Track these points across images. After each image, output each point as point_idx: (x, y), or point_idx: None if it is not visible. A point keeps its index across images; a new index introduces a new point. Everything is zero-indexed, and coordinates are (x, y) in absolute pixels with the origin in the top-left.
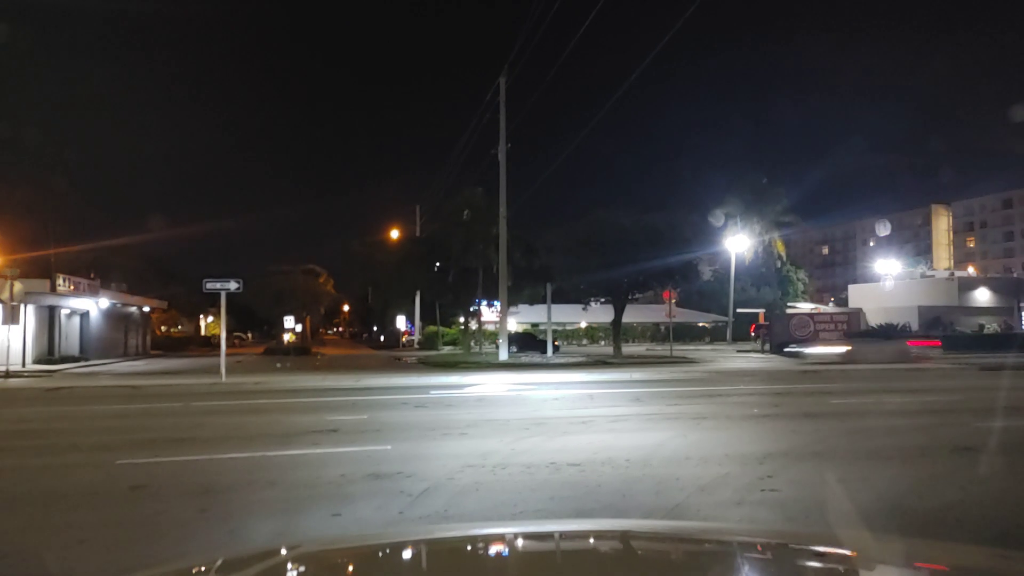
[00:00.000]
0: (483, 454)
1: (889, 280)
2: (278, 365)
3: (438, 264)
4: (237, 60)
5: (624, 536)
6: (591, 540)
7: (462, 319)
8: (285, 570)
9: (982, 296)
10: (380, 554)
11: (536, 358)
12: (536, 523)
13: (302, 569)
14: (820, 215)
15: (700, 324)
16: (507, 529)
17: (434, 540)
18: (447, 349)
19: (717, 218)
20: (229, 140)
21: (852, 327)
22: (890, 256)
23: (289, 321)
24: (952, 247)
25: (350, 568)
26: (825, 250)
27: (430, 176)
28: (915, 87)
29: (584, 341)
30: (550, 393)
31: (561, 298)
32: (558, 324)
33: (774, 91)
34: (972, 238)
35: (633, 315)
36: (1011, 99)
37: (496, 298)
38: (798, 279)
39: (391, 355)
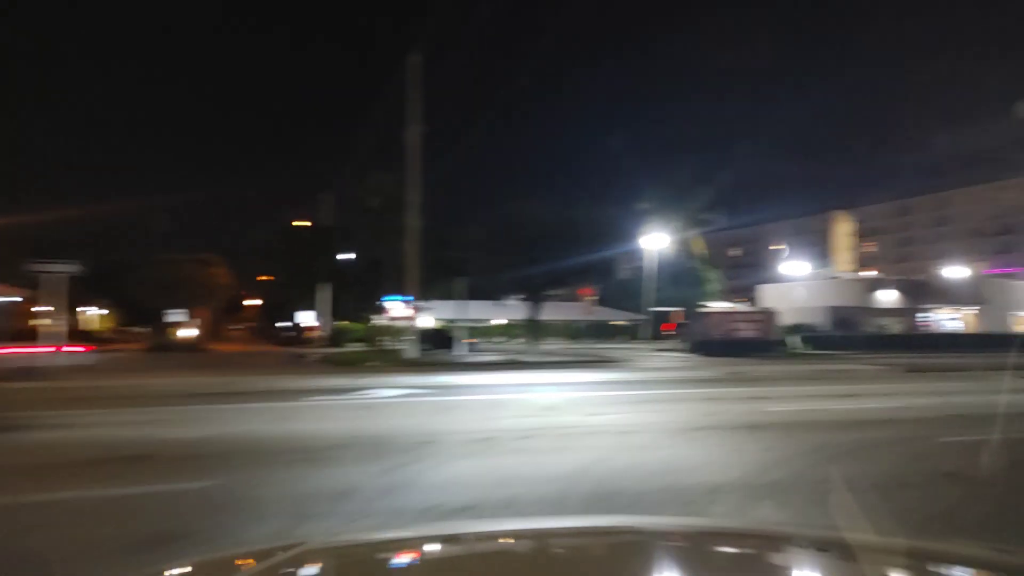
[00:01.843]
0: (339, 493)
1: (800, 281)
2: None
3: (347, 255)
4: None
5: (632, 532)
6: (601, 536)
7: (372, 314)
8: (289, 567)
9: (888, 297)
10: (388, 550)
11: (447, 357)
12: (544, 519)
13: (307, 567)
14: (733, 217)
15: (617, 322)
16: (516, 525)
17: (442, 535)
18: (356, 346)
19: (636, 214)
20: (120, 119)
21: (768, 326)
22: (796, 259)
23: (176, 314)
24: (853, 251)
25: (359, 565)
26: (736, 252)
27: (341, 161)
28: (825, 95)
29: (502, 339)
30: (453, 399)
31: (480, 294)
32: (475, 321)
33: (694, 89)
34: (871, 243)
35: (550, 312)
36: (911, 110)
37: (408, 293)
38: (714, 279)
39: (293, 352)
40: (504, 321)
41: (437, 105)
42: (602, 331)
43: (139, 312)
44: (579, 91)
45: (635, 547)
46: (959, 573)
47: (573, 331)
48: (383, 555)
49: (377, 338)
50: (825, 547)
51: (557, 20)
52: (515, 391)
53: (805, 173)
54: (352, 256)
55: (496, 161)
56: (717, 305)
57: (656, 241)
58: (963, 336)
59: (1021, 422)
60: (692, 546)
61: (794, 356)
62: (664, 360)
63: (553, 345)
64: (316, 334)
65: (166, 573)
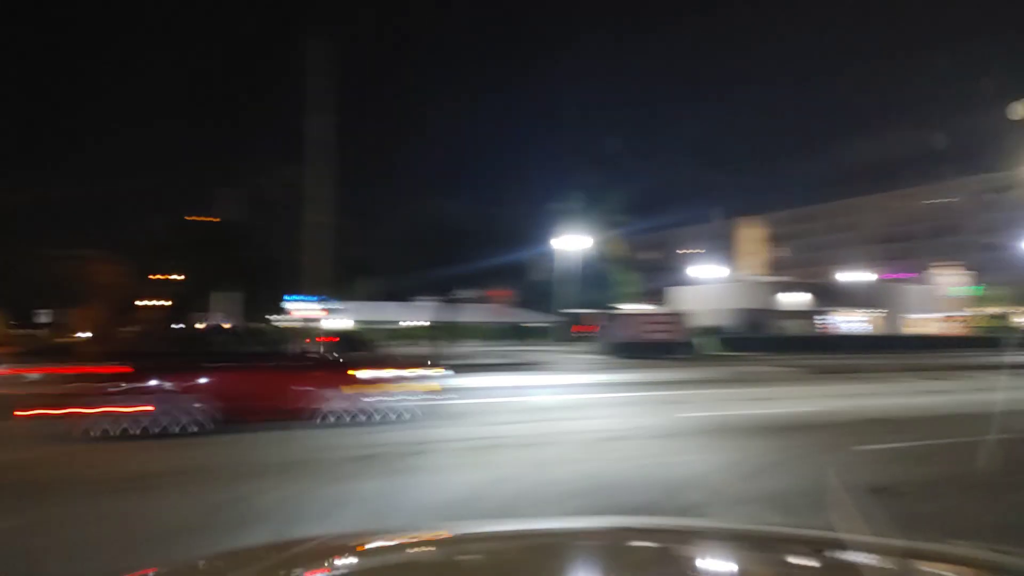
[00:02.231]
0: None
1: (711, 284)
2: None
3: (252, 253)
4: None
5: (632, 532)
6: (603, 536)
7: (279, 316)
8: (291, 565)
9: (795, 299)
10: (391, 549)
11: None
12: (546, 520)
13: (310, 563)
14: (648, 220)
15: (532, 324)
16: (518, 525)
17: (447, 535)
18: None
19: (552, 215)
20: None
21: (679, 327)
22: (709, 262)
23: (48, 314)
24: (763, 255)
25: (362, 561)
26: (651, 255)
27: (247, 153)
28: (739, 105)
29: (415, 342)
30: None
31: (394, 295)
32: (387, 323)
33: (612, 91)
34: (779, 247)
35: (465, 314)
36: (820, 121)
37: (316, 293)
38: (630, 281)
39: None
40: (417, 323)
41: (353, 96)
42: (516, 333)
43: (16, 313)
44: (500, 90)
45: (635, 546)
46: (958, 573)
47: (487, 333)
48: (384, 554)
49: (278, 341)
50: (823, 547)
51: (478, 15)
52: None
53: (718, 180)
54: (257, 254)
55: (412, 157)
56: (630, 307)
57: (572, 242)
58: (862, 338)
59: (930, 427)
60: (692, 545)
61: (705, 358)
62: (576, 363)
63: (466, 348)
64: None
65: (170, 567)
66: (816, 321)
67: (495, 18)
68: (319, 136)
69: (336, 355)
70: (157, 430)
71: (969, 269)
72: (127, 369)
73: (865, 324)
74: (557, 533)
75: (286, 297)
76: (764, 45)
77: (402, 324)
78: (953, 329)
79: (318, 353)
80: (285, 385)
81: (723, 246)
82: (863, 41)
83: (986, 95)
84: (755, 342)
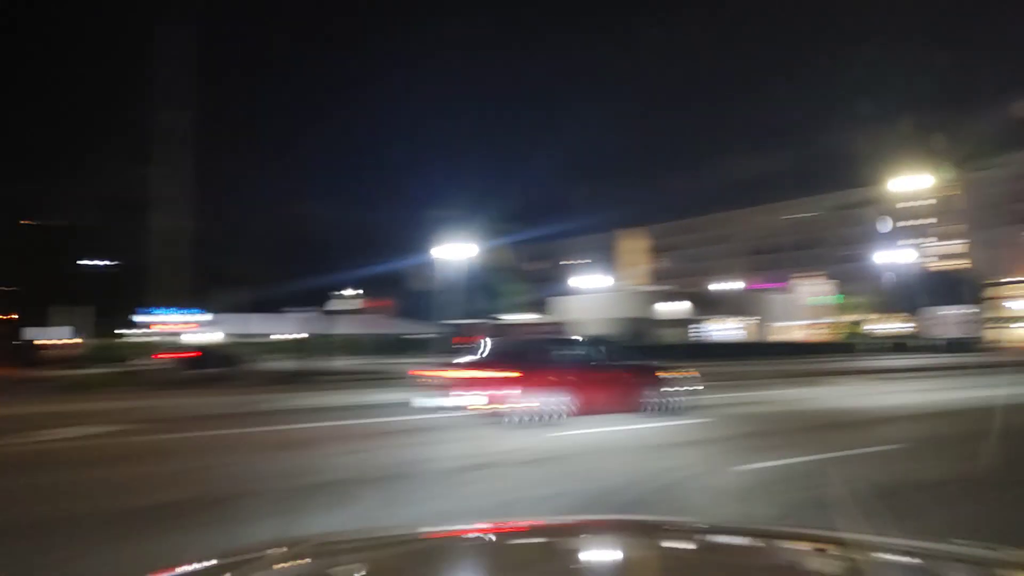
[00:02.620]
0: None
1: (592, 293)
2: None
3: (99, 261)
4: None
5: (633, 531)
6: (603, 535)
7: (136, 330)
8: (284, 565)
9: (673, 308)
10: (382, 548)
11: (212, 376)
12: (546, 517)
13: (302, 564)
14: (534, 231)
15: (413, 336)
16: (517, 523)
17: (442, 534)
18: (104, 367)
19: (436, 223)
20: None
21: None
22: (590, 273)
23: None
24: (645, 265)
25: (360, 562)
26: (537, 265)
27: (96, 152)
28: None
29: (288, 355)
30: (175, 437)
31: (264, 306)
32: (257, 336)
33: (498, 102)
34: (659, 258)
35: (342, 325)
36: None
37: (174, 304)
38: (517, 291)
39: (20, 375)
40: (290, 336)
41: (219, 97)
42: (395, 346)
43: None
44: (380, 93)
45: (636, 545)
46: (957, 571)
47: (364, 346)
48: (377, 553)
49: (131, 356)
50: (824, 546)
51: (356, 11)
52: (266, 421)
53: (603, 192)
54: (105, 261)
55: (285, 162)
56: (512, 318)
57: (455, 251)
58: (733, 345)
59: (823, 441)
60: (692, 544)
61: None
62: None
63: (344, 363)
64: (61, 352)
65: (171, 570)
66: (691, 329)
67: (376, 15)
68: (171, 132)
69: (651, 362)
70: (538, 419)
71: (830, 279)
72: (519, 374)
73: (737, 332)
74: (558, 532)
75: (144, 309)
76: (647, 62)
77: (275, 337)
78: (815, 336)
79: (639, 360)
80: (620, 384)
81: (607, 257)
82: (740, 64)
83: (847, 119)
84: (637, 351)
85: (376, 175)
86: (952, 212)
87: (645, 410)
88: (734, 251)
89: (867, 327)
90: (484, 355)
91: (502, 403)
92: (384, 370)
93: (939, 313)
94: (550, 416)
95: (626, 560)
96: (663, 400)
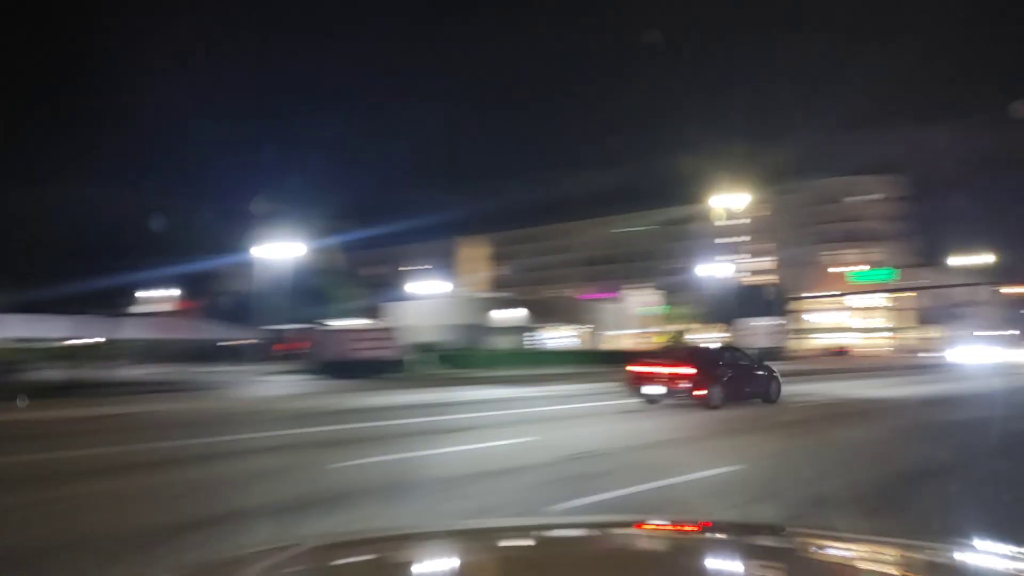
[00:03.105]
0: None
1: (429, 299)
2: None
3: None
4: None
5: (633, 530)
6: (602, 534)
7: None
8: (288, 567)
9: (508, 315)
10: (387, 548)
11: None
12: (547, 517)
13: (306, 565)
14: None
15: (229, 342)
16: (518, 523)
17: (443, 532)
18: None
19: (256, 220)
20: None
21: (393, 343)
22: (431, 279)
23: None
24: (482, 273)
25: (358, 563)
26: (376, 269)
27: None
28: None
29: (73, 363)
30: None
31: (59, 306)
32: (44, 340)
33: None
34: (499, 266)
35: (136, 329)
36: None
37: None
38: (351, 295)
39: None
40: (83, 340)
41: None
42: (206, 353)
43: None
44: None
45: (636, 543)
46: (957, 570)
47: (168, 353)
48: (382, 553)
49: None
50: (823, 545)
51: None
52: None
53: (445, 198)
54: None
55: (83, 145)
56: (340, 322)
57: (281, 250)
58: (566, 352)
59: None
60: (693, 543)
61: (417, 377)
62: (276, 387)
63: (135, 371)
64: None
65: (172, 572)
66: (526, 337)
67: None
68: None
69: (770, 365)
70: (702, 405)
71: (658, 290)
72: (695, 368)
73: (570, 339)
74: (557, 530)
75: None
76: (492, 71)
77: (70, 342)
78: (644, 344)
79: (761, 362)
80: (755, 379)
81: (448, 263)
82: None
83: (676, 142)
84: (473, 358)
85: (193, 164)
86: (763, 231)
87: (769, 399)
88: (571, 261)
89: (690, 336)
90: (687, 358)
91: (696, 390)
92: (185, 380)
93: (751, 324)
94: (712, 403)
95: (627, 560)
96: (777, 391)
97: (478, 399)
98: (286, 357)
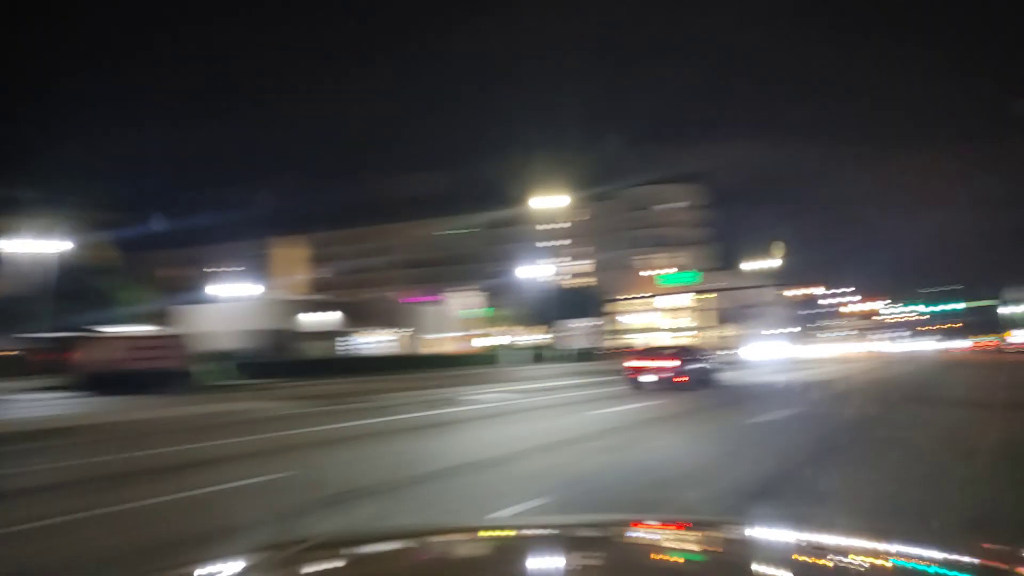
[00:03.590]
0: None
1: (229, 302)
2: None
3: None
4: None
5: (632, 529)
6: (602, 533)
7: None
8: (296, 563)
9: (321, 319)
10: (394, 545)
11: None
12: (548, 516)
13: (314, 562)
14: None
15: None
16: (520, 522)
17: (446, 530)
18: None
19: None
20: None
21: (178, 353)
22: (241, 281)
23: None
24: (301, 275)
25: (366, 559)
26: (173, 270)
27: None
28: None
29: None
30: None
31: None
32: None
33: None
34: (319, 268)
35: None
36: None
37: None
38: (131, 297)
39: None
40: None
41: None
42: None
43: None
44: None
45: (635, 543)
46: (957, 568)
47: None
48: (389, 549)
49: None
50: (823, 543)
51: None
52: None
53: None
54: None
55: None
56: (114, 329)
57: (38, 246)
58: (385, 358)
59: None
60: (694, 543)
61: (205, 390)
62: (19, 404)
63: None
64: None
65: (173, 572)
66: (340, 342)
67: None
68: None
69: (702, 351)
70: (681, 388)
71: (481, 293)
72: (679, 359)
73: (388, 344)
74: (557, 531)
75: None
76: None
77: None
78: (466, 348)
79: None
80: (704, 369)
81: (262, 265)
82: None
83: (499, 147)
84: (276, 367)
85: None
86: (582, 236)
87: (716, 385)
88: (394, 263)
89: (513, 339)
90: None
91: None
92: None
93: (571, 325)
94: (680, 388)
95: (627, 560)
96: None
97: (251, 417)
98: (46, 370)
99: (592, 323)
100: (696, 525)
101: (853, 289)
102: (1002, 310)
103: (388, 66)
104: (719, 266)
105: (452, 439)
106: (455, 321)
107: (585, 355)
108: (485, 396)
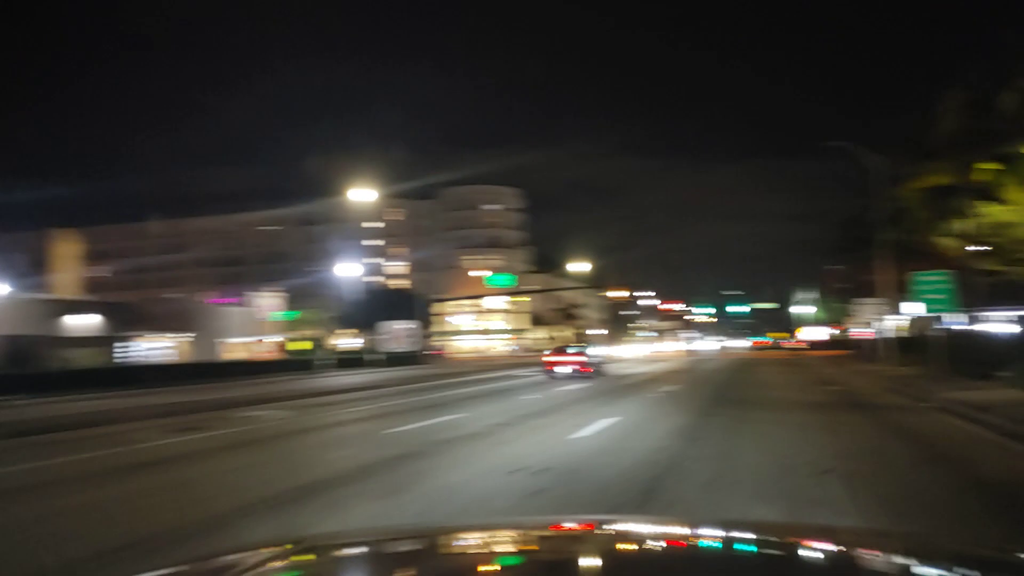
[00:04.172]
0: None
1: None
2: None
3: None
4: None
5: (631, 529)
6: (600, 532)
7: None
8: (289, 564)
9: (92, 322)
10: (387, 546)
11: None
12: (543, 517)
13: (306, 562)
14: None
15: None
16: (516, 521)
17: (440, 530)
18: None
19: None
20: None
21: None
22: None
23: None
24: (76, 273)
25: (358, 560)
26: None
27: None
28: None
29: None
30: None
31: None
32: None
33: None
34: (100, 265)
35: None
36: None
37: None
38: None
39: None
40: None
41: None
42: None
43: None
44: None
45: (634, 542)
46: (959, 568)
47: None
48: (383, 550)
49: None
50: (822, 543)
51: None
52: None
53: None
54: None
55: None
56: None
57: None
58: (172, 366)
59: None
60: (696, 541)
61: None
62: None
63: None
64: None
65: (165, 572)
66: (119, 348)
67: None
68: None
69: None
70: (586, 376)
71: (290, 294)
72: (584, 355)
73: (175, 350)
74: (555, 531)
75: None
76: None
77: None
78: (272, 353)
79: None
80: (591, 364)
81: (29, 261)
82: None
83: (312, 145)
84: (24, 380)
85: None
86: (402, 236)
87: (591, 377)
88: (193, 261)
89: (330, 342)
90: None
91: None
92: None
93: (392, 327)
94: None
95: (625, 559)
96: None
97: None
98: None
99: (413, 325)
100: (695, 525)
101: (654, 293)
102: (793, 310)
103: (194, 55)
104: (537, 269)
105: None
106: (258, 324)
107: (409, 359)
108: (260, 414)
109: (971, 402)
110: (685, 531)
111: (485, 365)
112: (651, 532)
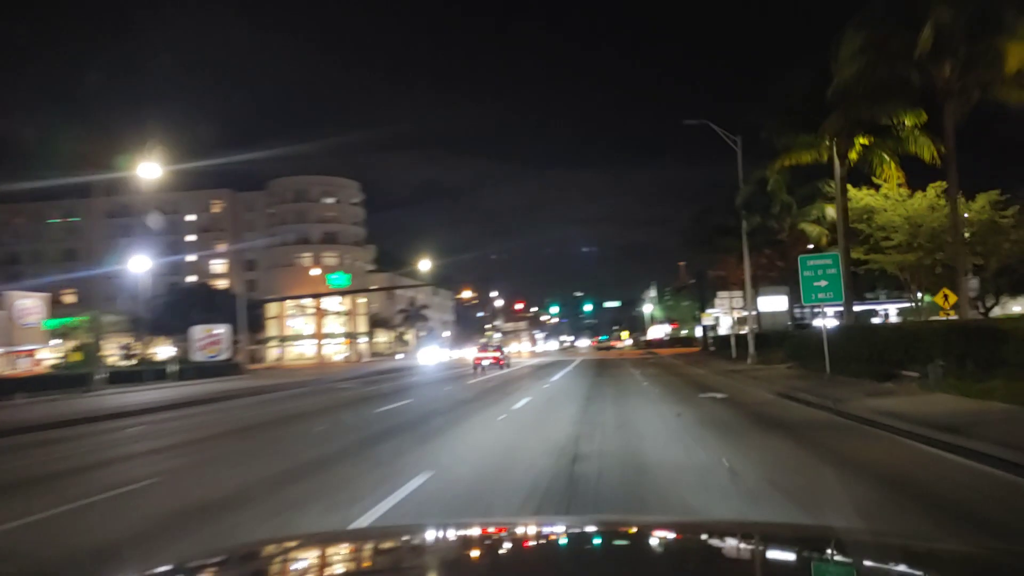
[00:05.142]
0: None
1: None
2: None
3: None
4: None
5: (629, 529)
6: (599, 532)
7: None
8: (281, 560)
9: None
10: (375, 543)
11: None
12: (540, 517)
13: (298, 559)
14: None
15: None
16: (511, 520)
17: (434, 528)
18: None
19: None
20: None
21: None
22: None
23: None
24: None
25: (353, 559)
26: None
27: None
28: None
29: None
30: None
31: None
32: None
33: None
34: None
35: None
36: None
37: None
38: None
39: None
40: None
41: None
42: None
43: None
44: None
45: (634, 543)
46: (954, 568)
47: None
48: (372, 547)
49: None
50: (822, 543)
51: None
52: None
53: None
54: None
55: None
56: None
57: None
58: None
59: None
60: (694, 542)
61: None
62: None
63: None
64: None
65: (161, 571)
66: None
67: None
68: None
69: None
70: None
71: (80, 295)
72: (501, 352)
73: None
74: (552, 531)
75: None
76: None
77: None
78: (36, 367)
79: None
80: (497, 357)
81: None
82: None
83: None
84: None
85: None
86: (224, 230)
87: (503, 368)
88: None
89: (125, 352)
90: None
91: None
92: None
93: (214, 332)
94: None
95: (623, 559)
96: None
97: None
98: None
99: (220, 330)
100: (695, 525)
101: (497, 294)
102: (644, 309)
103: None
104: (379, 268)
105: None
106: (26, 331)
107: (221, 369)
108: None
109: (907, 415)
110: (681, 531)
111: (309, 376)
112: (649, 529)
